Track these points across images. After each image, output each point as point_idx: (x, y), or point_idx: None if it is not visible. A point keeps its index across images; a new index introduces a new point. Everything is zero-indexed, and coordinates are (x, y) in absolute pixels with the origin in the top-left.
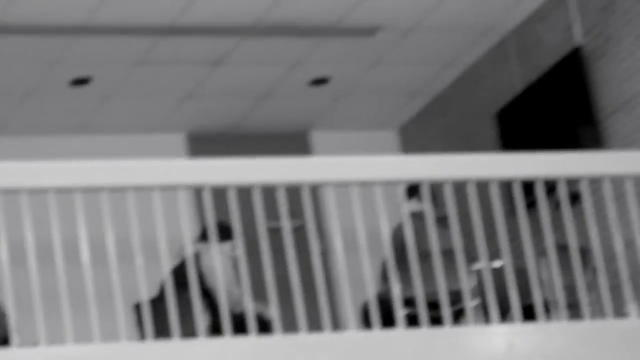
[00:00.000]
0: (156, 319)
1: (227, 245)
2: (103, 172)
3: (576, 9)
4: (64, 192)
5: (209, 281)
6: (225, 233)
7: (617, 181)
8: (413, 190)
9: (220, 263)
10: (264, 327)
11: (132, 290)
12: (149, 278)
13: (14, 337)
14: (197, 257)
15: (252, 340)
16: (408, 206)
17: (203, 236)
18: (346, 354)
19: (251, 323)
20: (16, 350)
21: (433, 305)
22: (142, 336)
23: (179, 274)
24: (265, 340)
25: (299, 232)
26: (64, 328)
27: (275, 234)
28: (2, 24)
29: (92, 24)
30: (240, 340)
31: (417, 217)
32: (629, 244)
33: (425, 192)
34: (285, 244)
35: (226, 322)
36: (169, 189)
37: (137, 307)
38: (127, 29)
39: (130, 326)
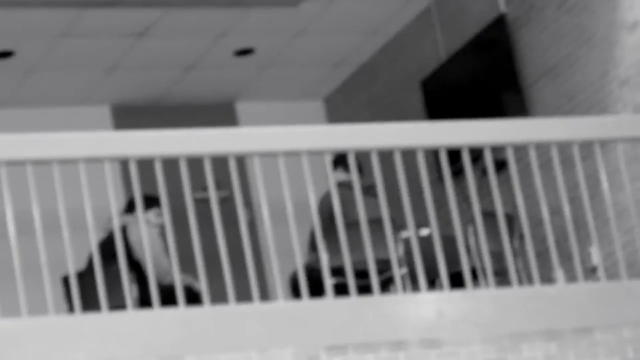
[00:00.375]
0: (85, 292)
1: (152, 213)
2: (28, 145)
3: None
4: None
5: (137, 253)
6: (150, 202)
7: (543, 148)
8: (339, 160)
9: (147, 234)
10: (193, 298)
11: (60, 263)
12: (77, 251)
13: None
14: (124, 229)
15: (181, 312)
16: (335, 176)
17: (129, 208)
18: (275, 323)
19: (180, 294)
20: None
21: (361, 274)
22: (70, 309)
23: (107, 246)
24: (194, 311)
25: (226, 203)
26: None
27: (202, 205)
28: None
29: None
30: (170, 312)
31: (344, 187)
32: (555, 210)
33: (351, 161)
34: (212, 215)
35: (155, 293)
36: (94, 161)
37: (65, 280)
38: (50, 1)
39: (58, 299)
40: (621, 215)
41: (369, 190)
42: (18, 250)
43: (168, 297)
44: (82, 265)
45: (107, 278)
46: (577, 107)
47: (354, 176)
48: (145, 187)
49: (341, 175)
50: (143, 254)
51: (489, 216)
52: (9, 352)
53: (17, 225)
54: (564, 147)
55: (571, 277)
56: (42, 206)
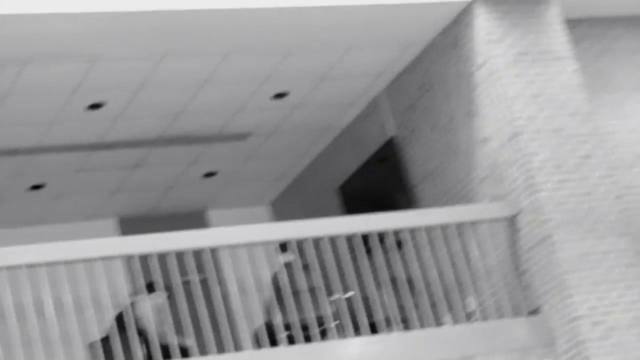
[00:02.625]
0: (106, 354)
1: (153, 296)
2: (60, 251)
3: (389, 110)
4: (33, 267)
5: (142, 323)
6: (151, 287)
7: (429, 230)
8: (284, 247)
9: (149, 310)
10: (185, 353)
11: (86, 334)
12: (98, 324)
13: None
14: (133, 306)
15: None
16: (281, 258)
17: (135, 292)
18: None
19: (175, 351)
20: None
21: (305, 328)
22: None
23: (120, 320)
24: None
25: (204, 283)
26: None
27: (187, 285)
28: None
29: (43, 144)
30: None
31: (289, 266)
32: (440, 274)
33: (292, 247)
34: (194, 292)
35: (157, 351)
36: (107, 259)
37: (91, 346)
38: (69, 146)
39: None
40: (488, 274)
41: (306, 268)
42: (55, 326)
43: (166, 353)
44: (103, 334)
45: (122, 342)
46: (450, 199)
47: (295, 258)
48: (146, 275)
49: (286, 257)
50: (146, 324)
51: (393, 280)
52: None
53: (55, 308)
54: (445, 228)
55: (455, 320)
56: (71, 293)
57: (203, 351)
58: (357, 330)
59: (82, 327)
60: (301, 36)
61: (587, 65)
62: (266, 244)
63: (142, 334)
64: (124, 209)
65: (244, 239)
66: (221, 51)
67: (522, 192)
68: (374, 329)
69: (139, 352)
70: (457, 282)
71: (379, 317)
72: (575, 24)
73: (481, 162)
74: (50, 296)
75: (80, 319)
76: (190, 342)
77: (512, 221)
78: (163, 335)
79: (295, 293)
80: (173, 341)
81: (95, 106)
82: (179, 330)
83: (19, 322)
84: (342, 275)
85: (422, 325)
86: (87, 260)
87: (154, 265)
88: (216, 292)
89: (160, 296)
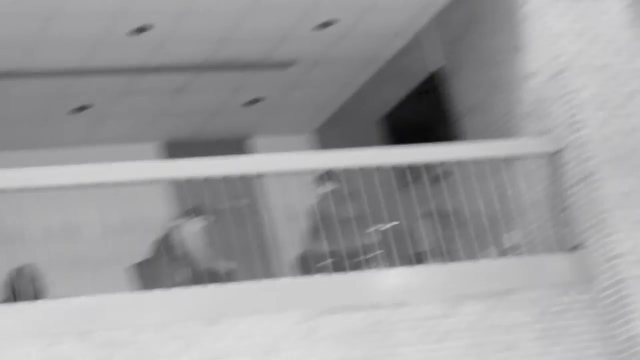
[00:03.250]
0: (147, 276)
1: (199, 219)
2: (110, 172)
3: (434, 43)
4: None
5: (184, 247)
6: (197, 211)
7: (468, 164)
8: (324, 177)
9: (193, 234)
10: (227, 276)
11: (129, 256)
12: (144, 246)
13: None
14: (178, 229)
15: (218, 287)
16: (321, 188)
17: (178, 216)
18: (288, 294)
19: (217, 274)
20: (48, 302)
21: (347, 256)
22: (140, 287)
23: (165, 242)
24: (225, 287)
25: (245, 209)
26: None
27: (228, 210)
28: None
29: (88, 66)
30: (211, 288)
31: (331, 194)
32: (479, 208)
33: (333, 176)
34: (236, 218)
35: (199, 274)
36: (152, 183)
37: (133, 268)
38: (114, 69)
39: (130, 280)
40: (531, 209)
41: (353, 196)
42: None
43: (211, 277)
44: (144, 257)
45: (167, 264)
46: (494, 133)
47: (343, 186)
48: (193, 199)
49: (332, 186)
50: (190, 247)
51: (431, 213)
52: (96, 320)
53: (103, 230)
54: (486, 162)
55: (497, 254)
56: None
57: (245, 276)
58: (399, 260)
59: (126, 249)
60: None
61: (635, 2)
62: (309, 172)
63: (184, 258)
64: (167, 133)
65: (286, 166)
66: None
67: (566, 129)
68: (416, 260)
69: (179, 275)
70: (496, 217)
71: (425, 247)
72: None
73: (526, 97)
74: (99, 218)
75: (120, 242)
76: (233, 265)
77: (555, 157)
78: (205, 258)
79: (338, 221)
80: (215, 265)
81: (140, 30)
82: (222, 254)
83: (65, 242)
84: (385, 205)
85: (462, 258)
86: (135, 183)
87: (196, 190)
88: (256, 218)
89: (202, 221)
